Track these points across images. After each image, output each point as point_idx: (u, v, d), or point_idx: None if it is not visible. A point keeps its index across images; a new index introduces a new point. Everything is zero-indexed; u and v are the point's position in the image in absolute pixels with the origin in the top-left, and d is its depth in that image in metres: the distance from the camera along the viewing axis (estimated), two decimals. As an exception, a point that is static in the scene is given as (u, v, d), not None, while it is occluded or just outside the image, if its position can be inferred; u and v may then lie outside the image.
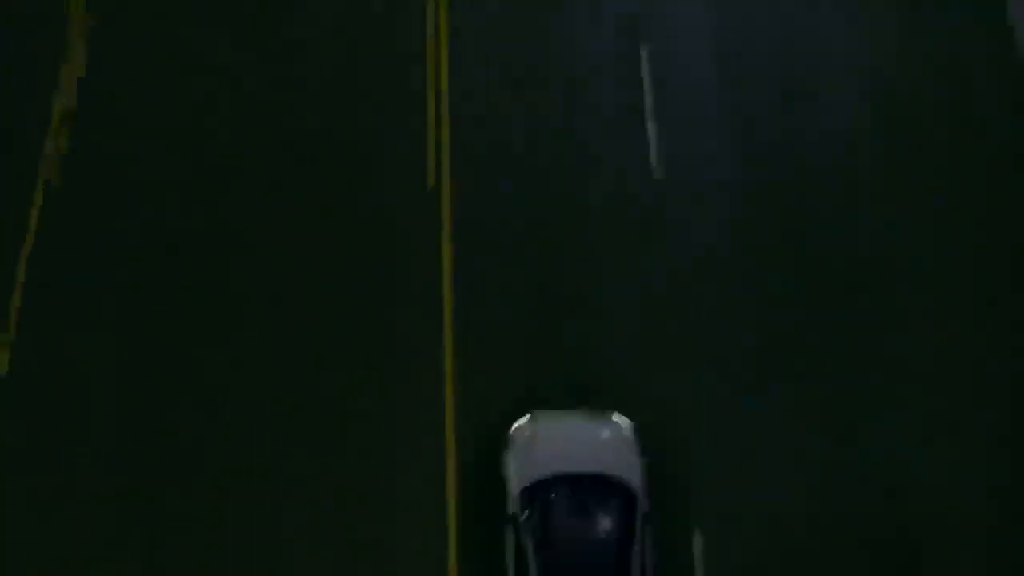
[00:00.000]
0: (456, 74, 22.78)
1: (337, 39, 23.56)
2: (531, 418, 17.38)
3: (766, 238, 20.33)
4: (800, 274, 19.95)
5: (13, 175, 21.28)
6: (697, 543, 16.86)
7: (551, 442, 16.74)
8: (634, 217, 20.48)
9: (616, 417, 17.38)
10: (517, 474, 16.46)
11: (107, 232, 20.51)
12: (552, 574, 15.22)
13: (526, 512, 15.81)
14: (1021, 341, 18.98)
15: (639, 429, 17.51)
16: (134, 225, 20.68)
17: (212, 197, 21.27)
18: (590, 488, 15.98)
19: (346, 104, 22.86)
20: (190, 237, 20.43)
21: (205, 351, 19.05)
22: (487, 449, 18.00)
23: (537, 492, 16.03)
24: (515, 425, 17.44)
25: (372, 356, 19.19)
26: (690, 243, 19.73)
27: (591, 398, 18.52)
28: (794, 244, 20.26)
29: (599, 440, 16.86)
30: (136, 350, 18.79)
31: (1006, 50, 22.52)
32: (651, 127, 21.67)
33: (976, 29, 23.52)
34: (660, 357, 19.08)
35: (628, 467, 16.40)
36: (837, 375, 18.51)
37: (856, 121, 21.88)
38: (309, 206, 21.02)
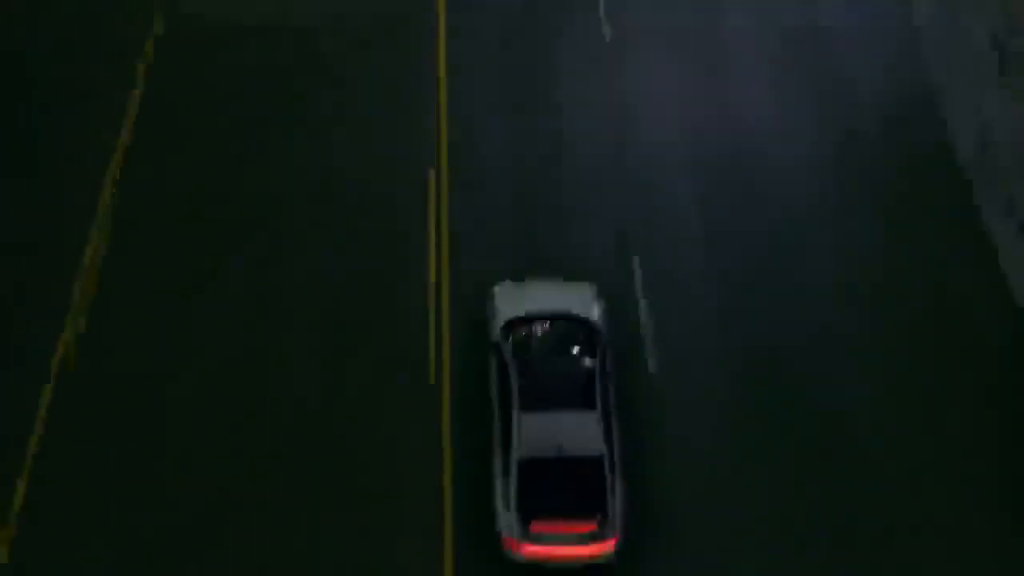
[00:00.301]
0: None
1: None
2: (511, 281, 21.66)
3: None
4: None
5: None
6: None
7: (528, 292, 20.94)
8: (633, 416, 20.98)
9: (581, 284, 21.45)
10: (499, 314, 20.51)
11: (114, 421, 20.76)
12: (529, 385, 18.93)
13: (509, 337, 19.82)
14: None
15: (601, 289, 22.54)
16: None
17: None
18: (560, 322, 20.10)
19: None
20: (197, 440, 20.57)
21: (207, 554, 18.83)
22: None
23: (516, 324, 20.13)
24: (497, 285, 21.58)
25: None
26: (689, 447, 20.32)
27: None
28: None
29: (567, 293, 21.00)
30: (136, 553, 18.82)
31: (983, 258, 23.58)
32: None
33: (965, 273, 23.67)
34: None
35: (591, 310, 20.49)
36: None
37: (845, 329, 22.50)
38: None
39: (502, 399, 19.07)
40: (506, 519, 17.94)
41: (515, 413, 18.67)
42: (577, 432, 18.42)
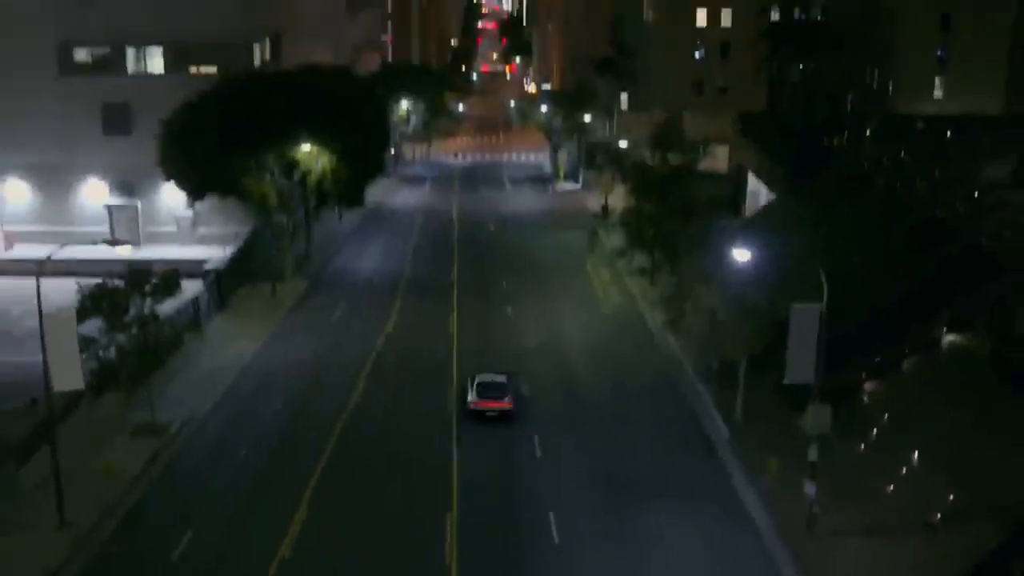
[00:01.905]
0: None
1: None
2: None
3: None
4: None
5: None
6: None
7: (482, 375, 43.49)
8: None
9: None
10: (470, 383, 42.86)
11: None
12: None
13: (473, 385, 42.54)
14: None
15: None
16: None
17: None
18: (496, 381, 42.61)
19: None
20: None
21: None
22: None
23: (475, 381, 42.83)
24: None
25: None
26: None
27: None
28: None
29: (499, 377, 43.30)
30: None
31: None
32: None
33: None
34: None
35: (509, 379, 43.41)
36: None
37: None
38: None
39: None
40: (471, 396, 41.94)
41: (476, 378, 43.08)
42: (497, 378, 42.98)
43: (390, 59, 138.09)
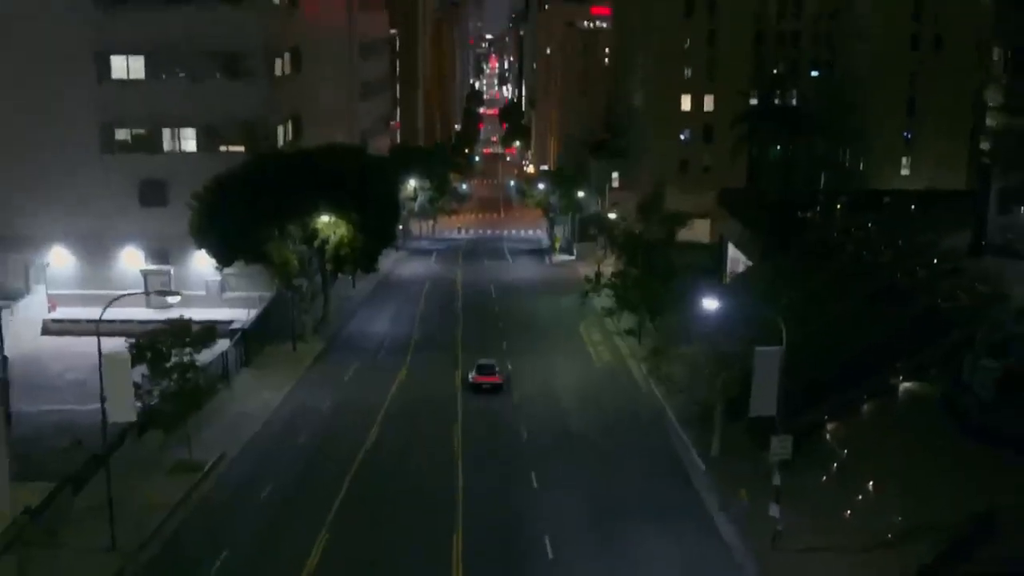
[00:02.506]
0: None
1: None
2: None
3: None
4: None
5: None
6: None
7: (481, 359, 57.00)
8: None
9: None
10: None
11: None
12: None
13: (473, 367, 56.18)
14: None
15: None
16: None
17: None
18: (490, 363, 55.99)
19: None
20: None
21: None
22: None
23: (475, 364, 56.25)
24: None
25: None
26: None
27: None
28: None
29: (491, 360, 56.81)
30: None
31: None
32: None
33: None
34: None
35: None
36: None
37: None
38: None
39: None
40: (472, 374, 54.71)
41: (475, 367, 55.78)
42: (490, 361, 56.24)
43: (398, 140, 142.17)
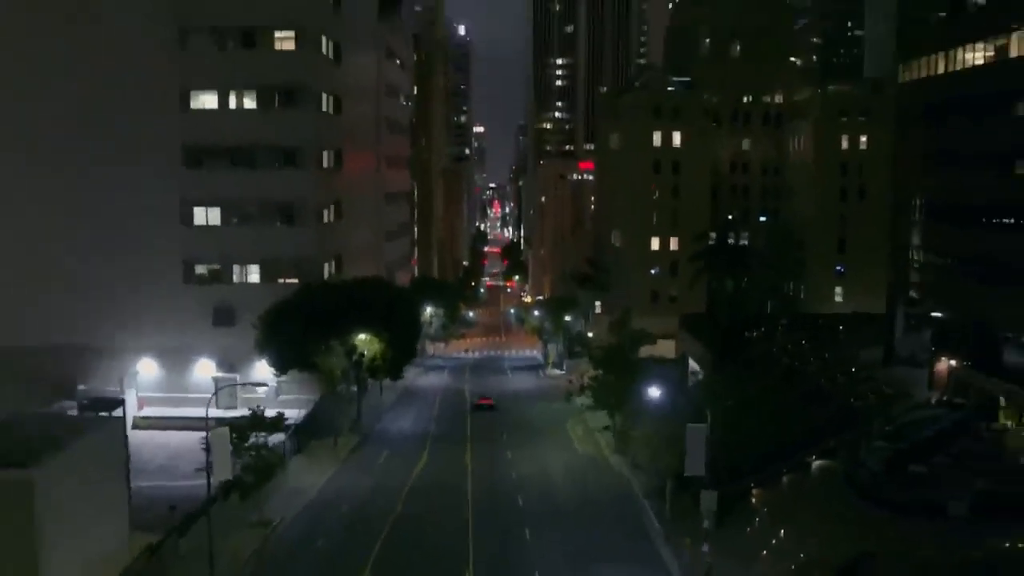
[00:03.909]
0: None
1: None
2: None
3: None
4: None
5: None
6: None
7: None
8: None
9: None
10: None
11: None
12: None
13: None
14: None
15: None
16: None
17: None
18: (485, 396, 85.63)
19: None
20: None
21: None
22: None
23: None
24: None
25: None
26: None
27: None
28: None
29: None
30: None
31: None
32: None
33: None
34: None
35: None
36: None
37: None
38: None
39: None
40: (471, 401, 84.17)
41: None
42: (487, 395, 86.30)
43: (416, 274, 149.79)
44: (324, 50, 74.95)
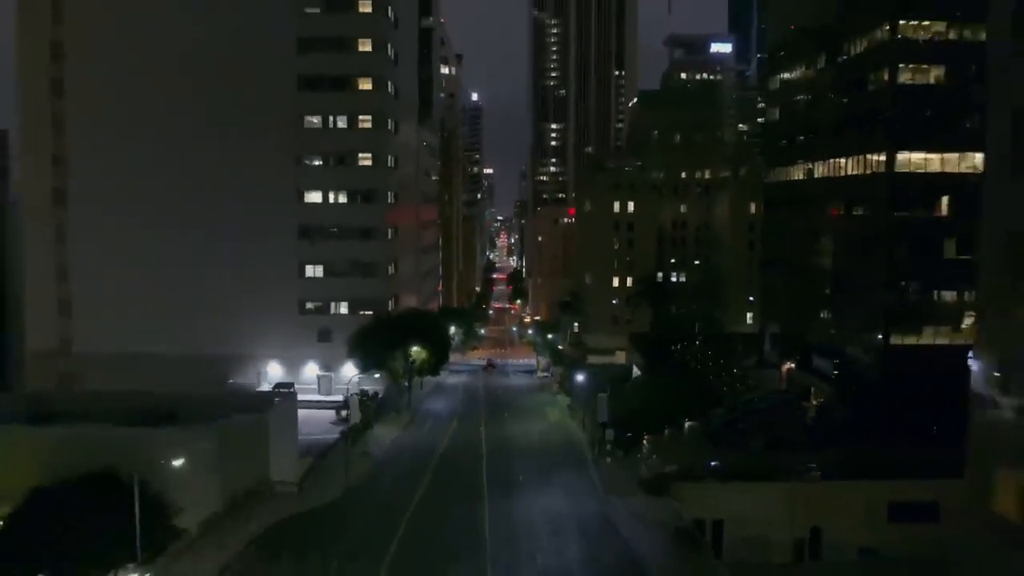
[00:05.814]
0: None
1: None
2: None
3: None
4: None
5: None
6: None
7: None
8: None
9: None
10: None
11: None
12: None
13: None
14: None
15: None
16: None
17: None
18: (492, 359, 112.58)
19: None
20: None
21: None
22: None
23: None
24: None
25: None
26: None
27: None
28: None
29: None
30: None
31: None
32: None
33: None
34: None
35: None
36: None
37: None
38: None
39: None
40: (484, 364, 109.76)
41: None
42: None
43: (441, 301, 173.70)
44: (389, 163, 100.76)
